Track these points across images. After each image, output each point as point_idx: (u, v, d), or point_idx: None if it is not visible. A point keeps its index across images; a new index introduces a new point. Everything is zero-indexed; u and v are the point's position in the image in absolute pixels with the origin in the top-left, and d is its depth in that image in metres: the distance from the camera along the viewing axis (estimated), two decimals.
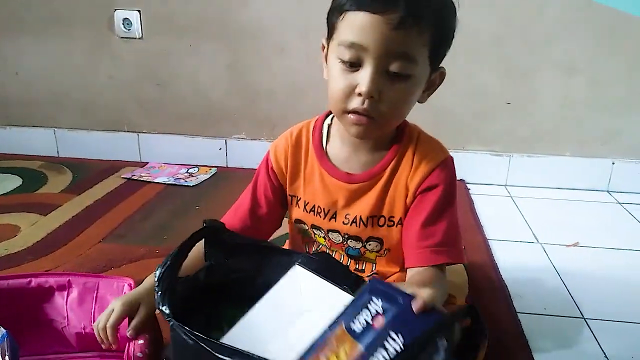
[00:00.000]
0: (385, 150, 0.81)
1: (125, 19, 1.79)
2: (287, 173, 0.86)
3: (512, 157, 1.80)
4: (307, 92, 1.79)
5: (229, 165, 1.93)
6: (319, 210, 0.84)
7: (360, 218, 0.81)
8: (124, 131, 1.95)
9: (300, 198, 0.86)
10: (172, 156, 1.94)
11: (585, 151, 1.76)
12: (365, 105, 0.70)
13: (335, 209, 0.83)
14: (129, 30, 1.80)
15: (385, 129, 0.78)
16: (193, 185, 1.73)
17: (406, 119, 0.84)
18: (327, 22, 0.75)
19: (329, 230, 0.85)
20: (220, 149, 1.93)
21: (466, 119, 1.78)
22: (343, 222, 0.83)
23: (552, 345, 0.95)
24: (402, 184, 0.80)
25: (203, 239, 0.76)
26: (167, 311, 0.62)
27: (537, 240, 1.39)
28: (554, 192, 1.76)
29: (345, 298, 0.63)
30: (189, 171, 1.86)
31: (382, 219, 0.82)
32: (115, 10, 1.79)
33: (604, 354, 0.93)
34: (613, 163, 1.76)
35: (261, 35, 1.77)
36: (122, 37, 1.82)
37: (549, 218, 1.56)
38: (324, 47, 0.78)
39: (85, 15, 1.82)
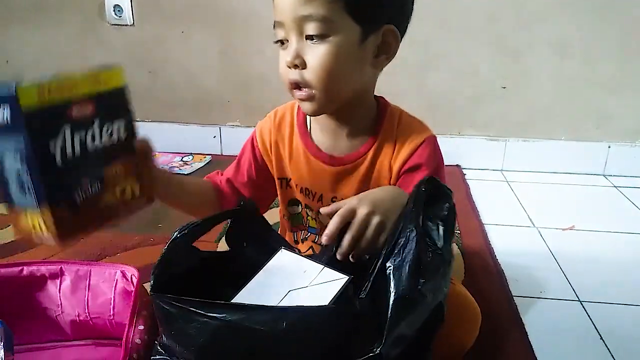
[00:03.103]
0: (367, 134, 0.81)
1: (116, 6, 1.77)
2: (272, 153, 0.86)
3: (507, 142, 1.79)
4: None
5: (223, 153, 1.92)
6: (308, 193, 0.84)
7: None
8: None
9: (290, 179, 0.86)
10: (166, 145, 1.91)
11: (580, 135, 1.76)
12: (294, 76, 0.71)
13: (321, 192, 0.83)
14: (120, 16, 1.78)
15: (330, 99, 0.74)
16: (188, 174, 1.72)
17: (389, 102, 0.83)
18: None
19: (318, 212, 0.84)
20: (214, 136, 1.91)
21: (460, 104, 1.77)
22: None
23: (548, 328, 0.95)
24: (386, 166, 0.79)
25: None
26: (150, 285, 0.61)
27: (533, 225, 1.39)
28: (550, 177, 1.76)
29: (328, 273, 0.63)
30: (184, 159, 1.84)
31: None
32: None
33: (600, 336, 0.93)
34: (609, 147, 1.75)
35: (254, 20, 1.75)
36: (113, 24, 1.80)
37: (545, 202, 1.56)
38: None
39: (76, 2, 1.80)
